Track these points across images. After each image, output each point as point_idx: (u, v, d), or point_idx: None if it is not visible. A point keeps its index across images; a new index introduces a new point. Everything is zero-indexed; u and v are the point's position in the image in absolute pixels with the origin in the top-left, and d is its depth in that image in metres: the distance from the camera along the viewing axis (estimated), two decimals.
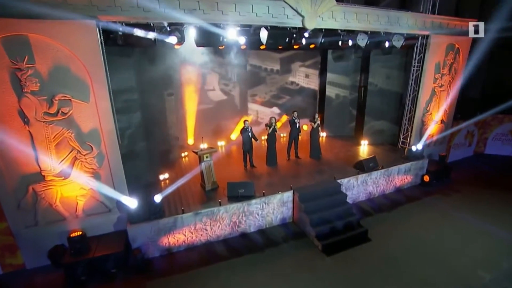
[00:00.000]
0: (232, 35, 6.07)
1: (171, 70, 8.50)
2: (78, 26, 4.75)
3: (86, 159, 5.37)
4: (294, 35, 6.64)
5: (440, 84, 8.89)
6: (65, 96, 4.98)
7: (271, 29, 6.30)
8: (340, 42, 7.33)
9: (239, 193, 6.31)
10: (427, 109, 9.00)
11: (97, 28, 4.95)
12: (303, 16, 6.26)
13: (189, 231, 5.93)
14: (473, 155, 11.08)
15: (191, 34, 5.98)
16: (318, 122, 8.39)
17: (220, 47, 7.06)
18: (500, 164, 10.26)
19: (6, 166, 4.90)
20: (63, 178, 5.32)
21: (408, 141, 9.24)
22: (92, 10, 4.75)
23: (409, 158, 8.49)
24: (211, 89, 9.54)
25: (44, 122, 4.94)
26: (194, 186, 6.93)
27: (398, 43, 7.80)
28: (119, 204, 5.83)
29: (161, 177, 7.43)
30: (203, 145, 6.82)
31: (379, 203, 7.76)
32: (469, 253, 5.75)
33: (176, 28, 5.75)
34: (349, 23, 6.88)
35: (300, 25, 6.40)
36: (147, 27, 5.40)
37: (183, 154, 9.05)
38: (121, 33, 5.39)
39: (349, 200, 7.21)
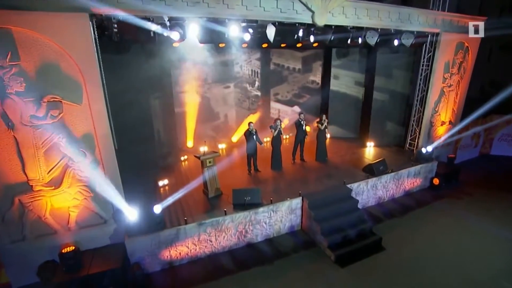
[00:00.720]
0: (238, 32, 5.62)
1: (174, 68, 8.09)
2: (69, 19, 4.26)
3: (79, 166, 4.88)
4: (303, 32, 6.23)
5: (449, 84, 8.63)
6: (55, 98, 4.49)
7: (278, 25, 5.88)
8: (349, 40, 6.95)
9: (245, 200, 5.90)
10: (436, 109, 8.73)
11: (90, 22, 4.47)
12: (313, 12, 5.87)
13: (193, 243, 5.49)
14: (479, 156, 10.89)
15: (192, 30, 5.51)
16: (326, 123, 8.03)
17: (220, 45, 6.67)
18: (507, 166, 10.07)
19: None
20: (53, 187, 4.83)
21: (415, 142, 8.96)
22: (84, 1, 4.25)
23: (418, 160, 8.21)
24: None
25: (31, 126, 4.44)
26: (196, 193, 6.48)
27: (408, 41, 7.47)
28: (115, 215, 5.36)
29: (160, 183, 6.96)
30: (203, 148, 6.39)
31: (390, 208, 7.45)
32: (490, 261, 5.47)
33: (177, 23, 5.29)
34: (359, 20, 6.52)
35: (310, 21, 6.01)
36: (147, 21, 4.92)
37: (182, 158, 8.57)
38: (116, 29, 4.90)
39: (359, 205, 6.87)
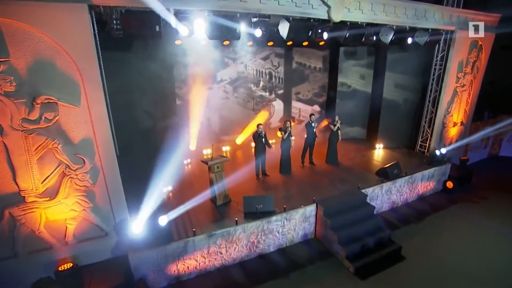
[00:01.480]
0: (249, 27, 5.21)
1: (176, 67, 7.66)
2: (65, 10, 3.80)
3: (77, 175, 4.42)
4: (317, 29, 5.86)
5: (462, 84, 8.35)
6: (50, 99, 4.02)
7: (292, 21, 5.49)
8: (363, 38, 6.60)
9: (257, 209, 5.50)
10: (449, 110, 8.45)
11: (89, 14, 4.00)
12: (329, 6, 5.48)
13: (202, 256, 5.07)
14: (488, 158, 10.69)
15: (200, 24, 5.06)
16: (339, 125, 7.67)
17: (224, 43, 6.25)
18: None
19: None
20: (48, 198, 4.36)
21: (427, 144, 8.67)
22: None
23: (431, 163, 7.92)
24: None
25: (22, 131, 3.97)
26: (203, 201, 6.04)
27: (422, 39, 7.15)
28: (117, 227, 4.91)
29: (164, 189, 6.50)
30: (206, 151, 5.96)
31: (404, 213, 7.13)
32: None
33: (183, 17, 4.84)
34: (376, 16, 6.18)
35: (325, 17, 5.63)
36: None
37: (185, 162, 8.12)
38: (117, 24, 4.43)
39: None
